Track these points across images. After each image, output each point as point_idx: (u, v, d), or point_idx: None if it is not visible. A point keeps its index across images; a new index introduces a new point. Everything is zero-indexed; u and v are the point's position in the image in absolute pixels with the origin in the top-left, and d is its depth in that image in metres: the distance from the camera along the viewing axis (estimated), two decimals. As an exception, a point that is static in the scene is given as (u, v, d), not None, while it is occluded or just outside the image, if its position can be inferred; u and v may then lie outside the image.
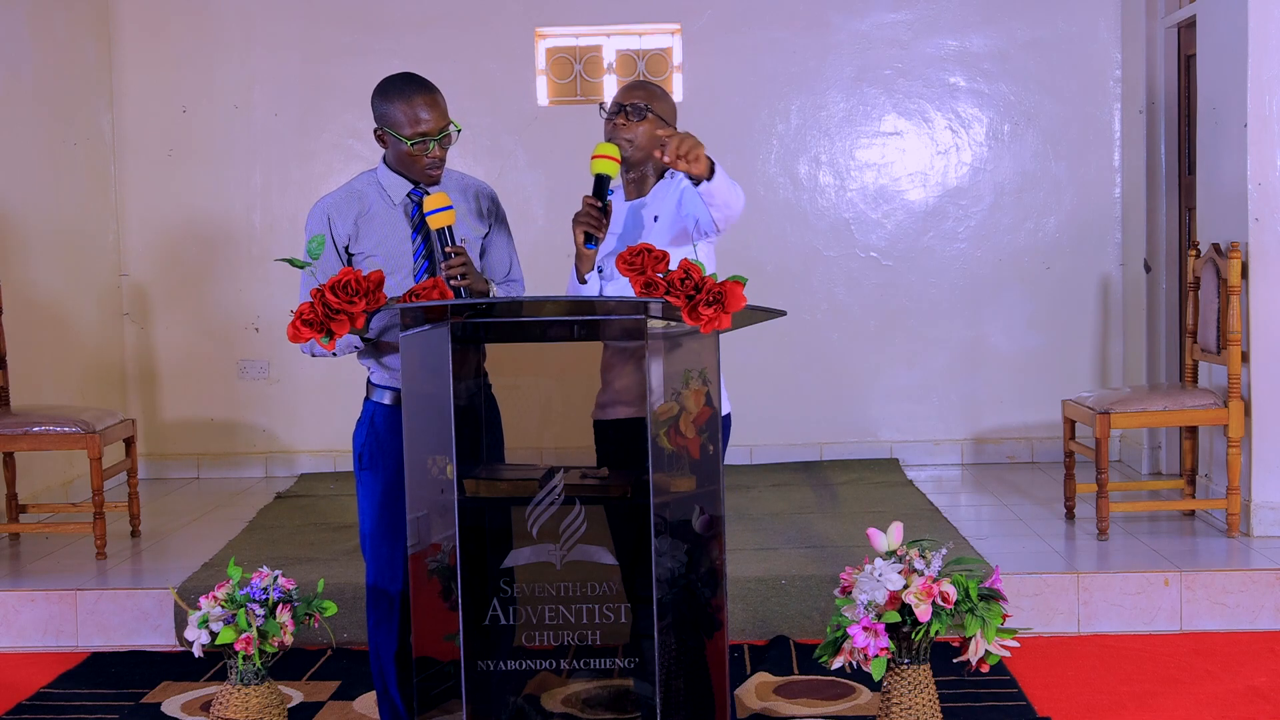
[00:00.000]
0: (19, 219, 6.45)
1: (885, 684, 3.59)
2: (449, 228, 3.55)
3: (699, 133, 7.16)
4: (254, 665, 3.66)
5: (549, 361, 3.40)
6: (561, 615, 3.22)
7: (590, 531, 3.21)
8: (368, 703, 4.37)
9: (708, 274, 3.14)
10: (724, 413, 3.74)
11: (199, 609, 3.68)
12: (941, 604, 3.48)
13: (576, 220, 3.55)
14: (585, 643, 3.22)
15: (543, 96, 7.48)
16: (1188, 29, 6.53)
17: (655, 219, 3.70)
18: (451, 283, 3.53)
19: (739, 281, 3.15)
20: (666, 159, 3.34)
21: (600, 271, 3.69)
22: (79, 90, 7.13)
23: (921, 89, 7.40)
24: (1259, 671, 4.50)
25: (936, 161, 7.42)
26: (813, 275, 7.43)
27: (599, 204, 3.54)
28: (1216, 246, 5.68)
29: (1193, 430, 5.90)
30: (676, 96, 7.45)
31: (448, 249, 3.54)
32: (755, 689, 4.44)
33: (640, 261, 3.21)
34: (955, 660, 3.65)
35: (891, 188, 7.43)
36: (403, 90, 3.59)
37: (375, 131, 3.65)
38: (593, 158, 3.56)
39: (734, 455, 6.83)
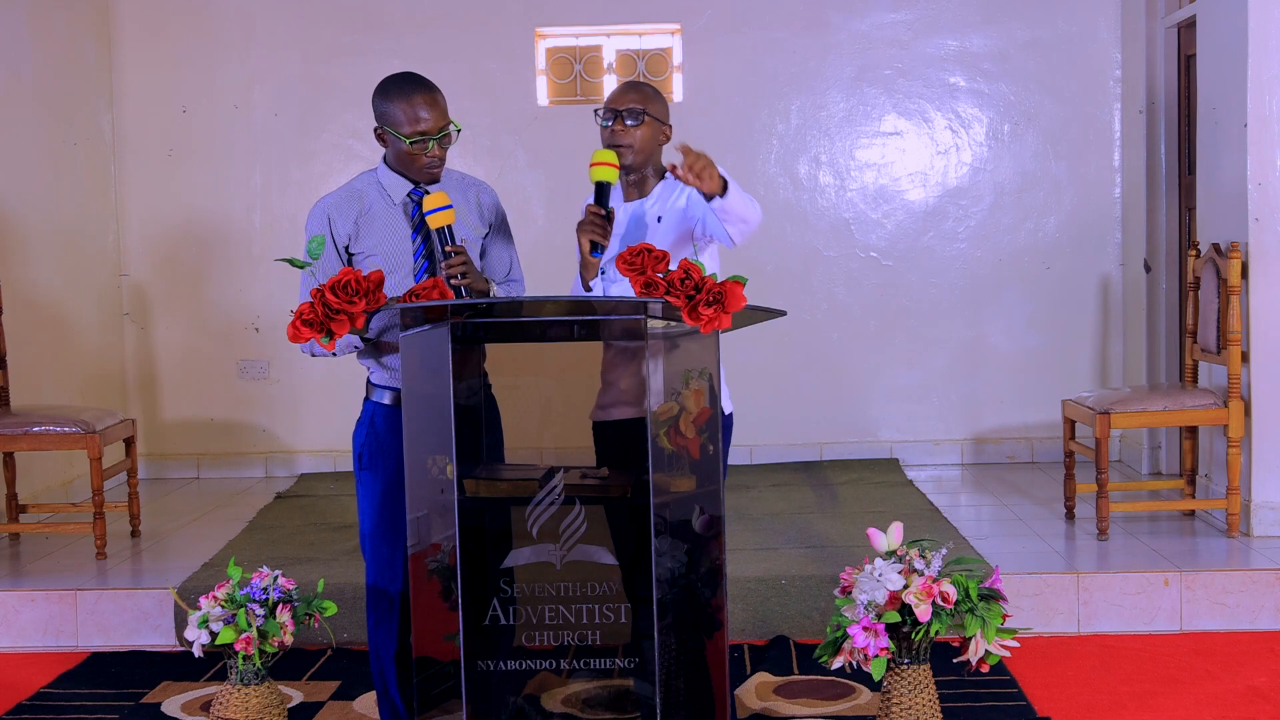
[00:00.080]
0: (19, 219, 6.45)
1: (885, 684, 3.59)
2: (449, 227, 3.55)
3: (699, 133, 7.18)
4: (254, 665, 3.66)
5: (549, 361, 3.41)
6: (561, 615, 3.22)
7: (590, 531, 3.21)
8: (368, 703, 4.37)
9: (708, 274, 3.14)
10: (726, 412, 3.75)
11: (199, 609, 3.68)
12: (941, 604, 3.48)
13: (581, 229, 3.55)
14: (585, 643, 3.22)
15: (543, 96, 7.49)
16: (1188, 29, 6.53)
17: (659, 219, 3.69)
18: (452, 282, 3.53)
19: (739, 281, 3.15)
20: (680, 175, 3.35)
21: (602, 274, 3.69)
22: (79, 90, 7.13)
23: (921, 89, 7.40)
24: (1259, 671, 4.50)
25: (936, 161, 7.42)
26: (813, 275, 7.43)
27: (602, 212, 3.54)
28: (1216, 246, 5.68)
29: (1193, 430, 5.90)
30: (676, 96, 7.45)
31: (448, 248, 3.54)
32: (755, 689, 4.44)
33: (640, 261, 3.21)
34: (955, 660, 3.65)
35: (891, 188, 7.43)
36: (403, 89, 3.59)
37: (375, 130, 3.66)
38: (591, 165, 3.56)
39: (734, 455, 6.83)
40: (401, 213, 3.68)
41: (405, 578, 3.56)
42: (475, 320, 3.28)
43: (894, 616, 3.48)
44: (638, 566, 3.20)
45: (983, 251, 7.42)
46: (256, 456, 7.54)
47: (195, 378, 7.51)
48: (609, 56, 7.50)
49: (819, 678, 4.54)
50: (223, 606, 3.66)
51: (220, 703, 3.67)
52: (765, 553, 5.36)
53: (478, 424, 3.30)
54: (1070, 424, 5.96)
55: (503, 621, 3.22)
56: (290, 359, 7.42)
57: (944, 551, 3.60)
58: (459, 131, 3.66)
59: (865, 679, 4.48)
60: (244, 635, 3.62)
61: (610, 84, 7.45)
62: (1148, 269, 6.97)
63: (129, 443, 6.07)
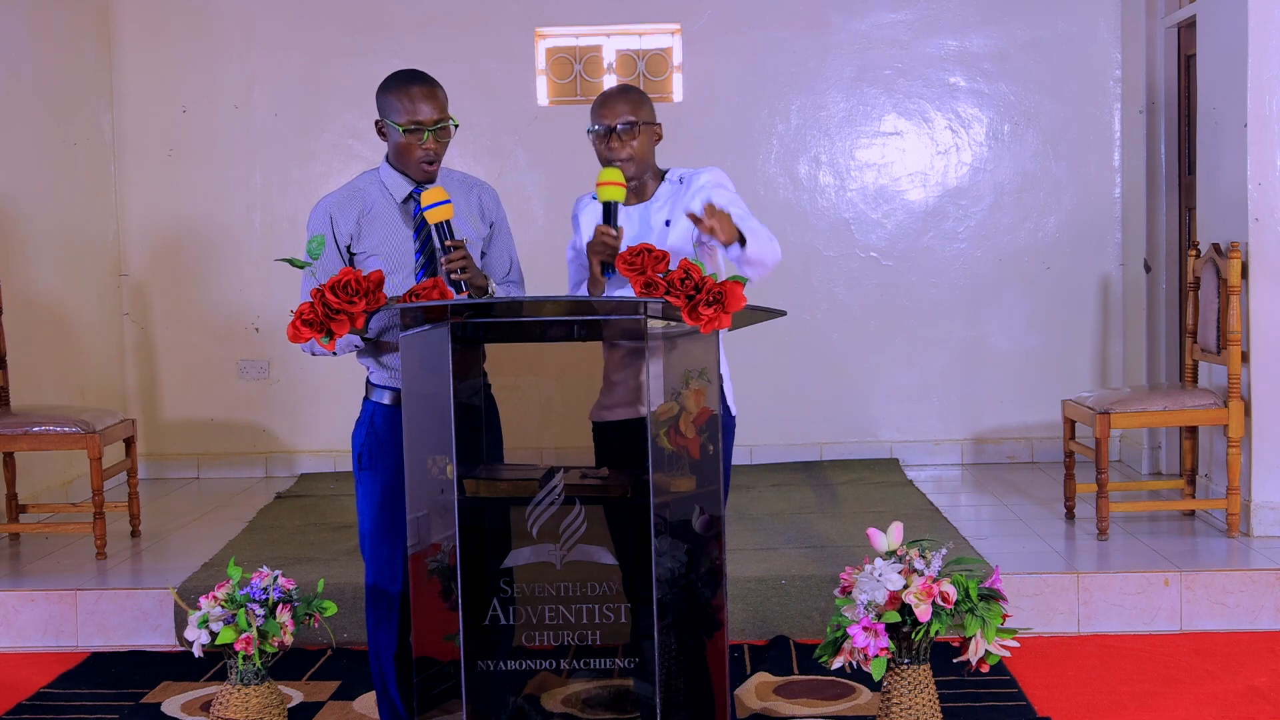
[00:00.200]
0: (19, 219, 6.45)
1: (885, 684, 3.59)
2: (447, 222, 3.55)
3: (699, 133, 7.18)
4: (254, 665, 3.66)
5: (549, 361, 3.41)
6: (561, 615, 3.22)
7: (590, 531, 3.21)
8: (368, 703, 4.37)
9: (707, 274, 3.14)
10: (731, 414, 3.75)
11: (199, 609, 3.68)
12: (941, 604, 3.48)
13: (592, 249, 3.54)
14: (585, 643, 3.22)
15: (543, 96, 7.49)
16: (1188, 29, 6.53)
17: (667, 223, 3.69)
18: (451, 277, 3.54)
19: (739, 282, 3.15)
20: (701, 229, 3.34)
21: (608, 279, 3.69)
22: (79, 90, 7.13)
23: (921, 89, 7.40)
24: (1259, 671, 4.50)
25: (936, 161, 7.42)
26: (813, 275, 7.43)
27: (613, 232, 3.53)
28: (1216, 246, 5.68)
29: (1193, 430, 5.90)
30: (676, 96, 7.45)
31: (447, 242, 3.55)
32: (755, 689, 4.44)
33: (640, 261, 3.21)
34: (955, 660, 3.65)
35: (891, 188, 7.43)
36: (402, 81, 3.63)
37: (376, 124, 3.68)
38: (599, 185, 3.56)
39: (734, 455, 6.82)
40: (404, 212, 3.68)
41: (405, 578, 3.56)
42: (475, 320, 3.28)
43: (894, 616, 3.48)
44: (638, 566, 3.20)
45: (983, 251, 7.42)
46: (256, 456, 7.54)
47: (195, 378, 7.51)
48: (609, 56, 7.50)
49: (819, 678, 4.54)
50: (223, 606, 3.66)
51: (220, 703, 3.67)
52: (765, 553, 5.36)
53: (478, 424, 3.30)
54: (1070, 424, 5.96)
55: (503, 621, 3.22)
56: (290, 359, 7.42)
57: (944, 551, 3.60)
58: (456, 127, 3.66)
59: (865, 679, 4.47)
60: (244, 635, 3.62)
61: (611, 84, 7.44)
62: (1148, 269, 6.97)
63: (129, 443, 6.07)
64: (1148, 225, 6.94)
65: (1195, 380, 5.92)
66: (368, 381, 3.77)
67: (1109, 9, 7.28)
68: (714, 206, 3.37)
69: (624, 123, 3.64)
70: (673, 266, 3.26)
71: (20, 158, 6.52)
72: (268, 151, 7.45)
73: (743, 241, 3.43)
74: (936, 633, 3.49)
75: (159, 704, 4.45)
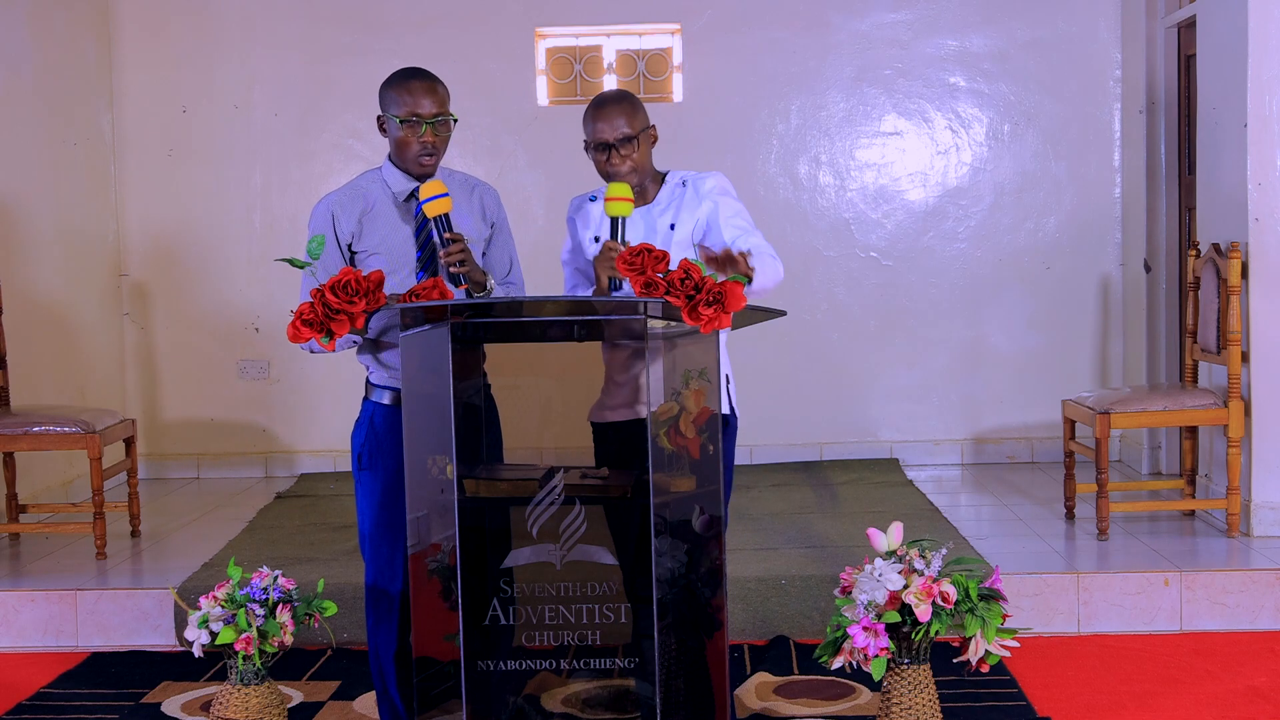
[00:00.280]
0: (19, 219, 6.45)
1: (885, 684, 3.59)
2: (446, 215, 3.56)
3: (699, 133, 7.17)
4: (254, 665, 3.66)
5: (549, 362, 3.41)
6: (561, 615, 3.22)
7: (590, 531, 3.21)
8: (368, 703, 4.37)
9: (707, 274, 3.14)
10: (725, 413, 3.74)
11: (199, 609, 3.68)
12: (941, 604, 3.48)
13: (599, 264, 3.52)
14: (585, 643, 3.22)
15: (543, 96, 7.48)
16: (1188, 29, 6.53)
17: (671, 227, 3.69)
18: (450, 270, 3.54)
19: (739, 282, 3.15)
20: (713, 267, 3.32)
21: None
22: (79, 90, 7.13)
23: (921, 89, 7.40)
24: (1259, 671, 4.50)
25: (936, 161, 7.42)
26: (813, 275, 7.43)
27: (621, 248, 3.52)
28: (1216, 246, 5.68)
29: (1193, 430, 5.90)
30: (676, 96, 7.45)
31: (446, 235, 3.55)
32: (755, 689, 4.44)
33: (640, 261, 3.21)
34: (955, 660, 3.65)
35: (891, 188, 7.43)
36: (403, 76, 3.66)
37: (378, 119, 3.71)
38: (607, 200, 3.54)
39: (735, 455, 6.82)
40: (405, 211, 3.69)
41: (405, 578, 3.56)
42: (475, 320, 3.28)
43: (894, 616, 3.48)
44: (638, 566, 3.20)
45: (983, 251, 7.42)
46: (256, 456, 7.54)
47: (195, 378, 7.51)
48: (609, 56, 7.49)
49: (819, 678, 4.54)
50: (223, 606, 3.66)
51: (220, 703, 3.67)
52: (765, 553, 5.36)
53: (478, 424, 3.30)
54: (1070, 424, 5.95)
55: (503, 621, 3.22)
56: (290, 359, 7.42)
57: (944, 551, 3.60)
58: (455, 122, 3.67)
59: (865, 679, 4.47)
60: (244, 635, 3.61)
61: (610, 85, 7.44)
62: (1148, 269, 6.97)
63: (129, 443, 6.07)
64: (1148, 225, 6.94)
65: (1195, 380, 5.92)
66: (367, 381, 3.77)
67: (1109, 9, 7.28)
68: (732, 253, 3.31)
69: (622, 137, 3.62)
70: (673, 267, 3.26)
71: (20, 158, 6.52)
72: (268, 151, 7.45)
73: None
74: (936, 633, 3.49)
75: (159, 704, 4.45)
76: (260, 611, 3.65)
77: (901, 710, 3.53)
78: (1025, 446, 7.45)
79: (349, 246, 3.68)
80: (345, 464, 7.28)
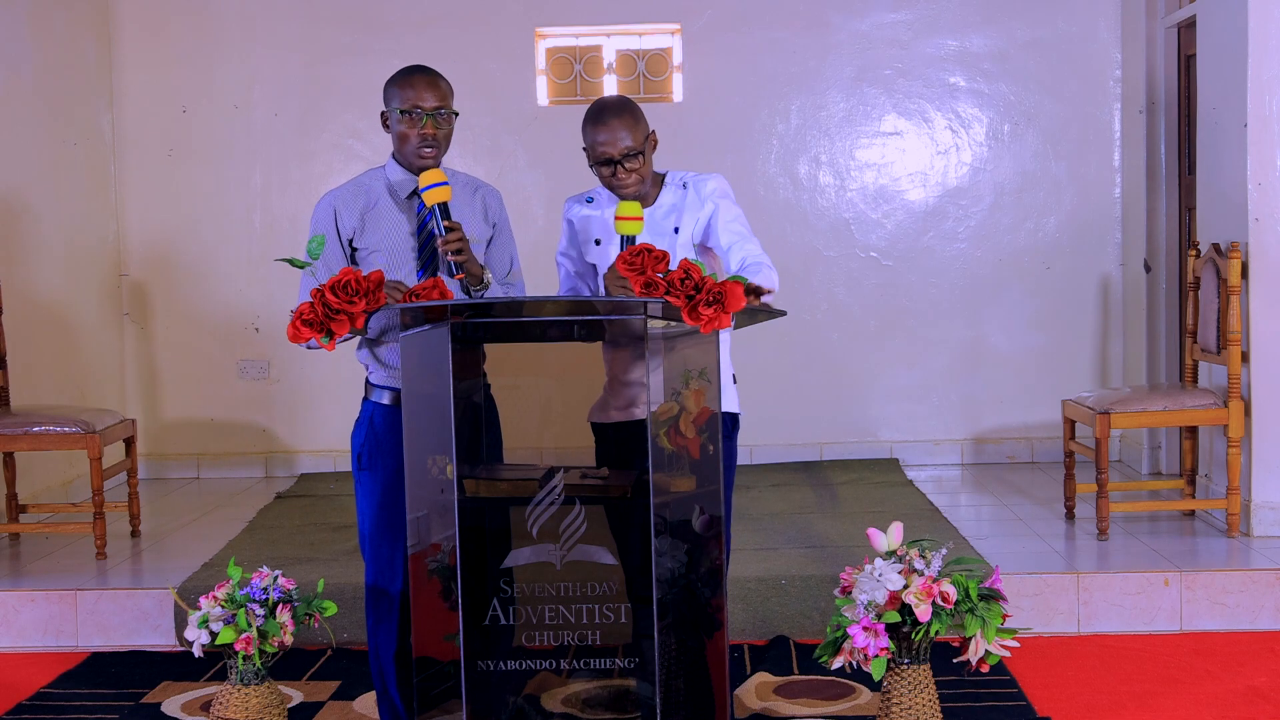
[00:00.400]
0: (19, 219, 6.45)
1: (885, 684, 3.59)
2: (445, 203, 3.57)
3: (699, 133, 7.17)
4: (254, 665, 3.66)
5: (549, 362, 3.41)
6: (561, 615, 3.22)
7: (590, 531, 3.21)
8: (368, 703, 4.37)
9: (707, 274, 3.14)
10: (733, 411, 3.75)
11: (199, 609, 3.68)
12: (941, 604, 3.48)
13: (612, 284, 3.51)
14: (585, 643, 3.22)
15: (543, 96, 7.48)
16: (1188, 29, 6.53)
17: (675, 230, 3.68)
18: (447, 258, 3.54)
19: (739, 282, 3.15)
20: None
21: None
22: (79, 90, 7.13)
23: (921, 89, 7.40)
24: (1259, 671, 4.50)
25: (936, 161, 7.42)
26: (813, 275, 7.42)
27: None
28: (1216, 246, 5.68)
29: (1193, 430, 5.90)
30: (676, 96, 7.45)
31: (445, 223, 3.56)
32: (755, 689, 4.44)
33: (640, 261, 3.21)
34: (955, 660, 3.65)
35: (891, 188, 7.43)
36: (406, 71, 3.70)
37: (381, 115, 3.73)
38: (617, 219, 3.51)
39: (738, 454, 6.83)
40: (407, 210, 3.69)
41: (405, 578, 3.56)
42: (475, 320, 3.28)
43: (894, 616, 3.48)
44: (638, 566, 3.20)
45: (983, 251, 7.42)
46: (256, 456, 7.54)
47: (195, 378, 7.51)
48: (609, 56, 7.49)
49: (819, 678, 4.54)
50: (223, 606, 3.66)
51: (220, 703, 3.67)
52: (765, 553, 5.36)
53: (478, 424, 3.30)
54: (1070, 424, 5.95)
55: (503, 621, 3.22)
56: (290, 359, 7.42)
57: (944, 551, 3.60)
58: (456, 116, 3.68)
59: (865, 679, 4.47)
60: (244, 635, 3.62)
61: (610, 84, 7.44)
62: (1148, 269, 6.97)
63: (129, 443, 6.07)
64: (1148, 225, 6.94)
65: (1195, 380, 5.92)
66: (367, 382, 3.78)
67: (1109, 9, 7.28)
68: (749, 286, 3.28)
69: (627, 151, 3.60)
70: (672, 267, 3.26)
71: (20, 158, 6.52)
72: (268, 151, 7.45)
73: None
74: (936, 633, 3.49)
75: (159, 704, 4.45)
76: (260, 611, 3.65)
77: (901, 710, 3.54)
78: (1025, 446, 7.45)
79: (350, 242, 3.69)
80: (345, 464, 7.28)
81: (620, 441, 3.35)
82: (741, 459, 7.27)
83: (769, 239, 7.19)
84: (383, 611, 3.74)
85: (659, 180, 3.75)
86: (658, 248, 3.29)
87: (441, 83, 3.67)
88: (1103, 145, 7.34)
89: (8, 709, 4.42)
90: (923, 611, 3.46)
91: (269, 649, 3.65)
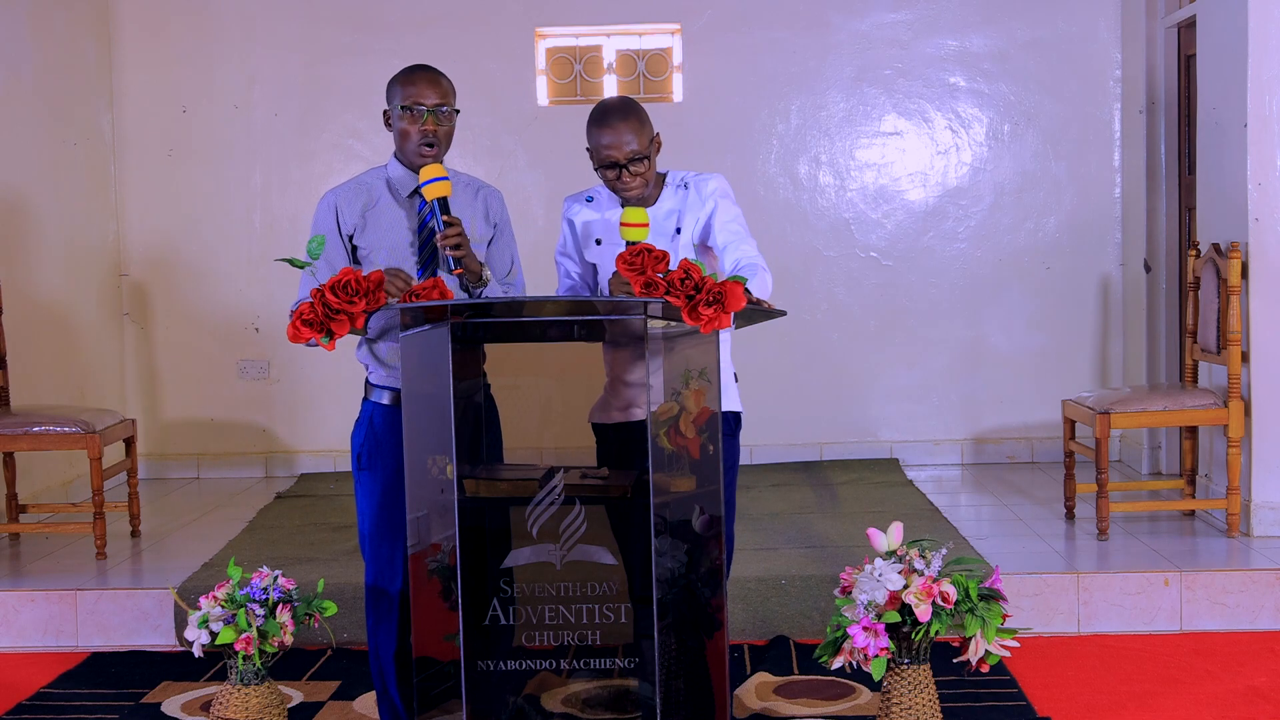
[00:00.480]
0: (19, 219, 6.46)
1: (885, 684, 3.59)
2: (445, 198, 3.57)
3: (699, 133, 7.17)
4: (254, 665, 3.66)
5: (549, 362, 3.41)
6: (561, 615, 3.22)
7: (590, 531, 3.21)
8: (368, 703, 4.37)
9: (707, 274, 3.14)
10: (736, 410, 3.75)
11: (199, 609, 3.68)
12: (941, 604, 3.48)
13: (616, 286, 3.51)
14: (585, 643, 3.22)
15: (543, 96, 7.48)
16: (1188, 29, 6.53)
17: (678, 230, 3.68)
18: (445, 253, 3.55)
19: (739, 281, 3.15)
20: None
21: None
22: (79, 90, 7.13)
23: (921, 89, 7.40)
24: (1259, 671, 4.50)
25: (936, 161, 7.42)
26: (813, 275, 7.43)
27: None
28: (1216, 246, 5.68)
29: (1193, 430, 5.90)
30: (676, 96, 7.45)
31: (445, 218, 3.56)
32: (755, 689, 4.44)
33: (640, 261, 3.21)
34: (955, 660, 3.65)
35: (891, 188, 7.43)
36: (408, 70, 3.72)
37: (384, 114, 3.74)
38: (623, 225, 3.51)
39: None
40: (408, 208, 3.70)
41: (405, 578, 3.56)
42: (475, 320, 3.28)
43: (894, 616, 3.48)
44: (638, 566, 3.20)
45: (983, 251, 7.42)
46: (256, 456, 7.54)
47: (195, 378, 7.51)
48: (609, 56, 7.49)
49: (819, 678, 4.54)
50: (223, 606, 3.66)
51: (220, 703, 3.67)
52: (765, 553, 5.36)
53: (478, 424, 3.30)
54: (1070, 424, 5.95)
55: (503, 621, 3.22)
56: (290, 359, 7.42)
57: (944, 551, 3.60)
58: (457, 113, 3.68)
59: (865, 679, 4.47)
60: (244, 635, 3.62)
61: (610, 84, 7.45)
62: (1148, 269, 6.97)
63: (129, 443, 6.07)
64: (1148, 225, 6.94)
65: (1195, 380, 5.92)
66: (366, 382, 3.78)
67: (1109, 9, 7.28)
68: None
69: (633, 156, 3.59)
70: (672, 267, 3.26)
71: (20, 158, 6.52)
72: (268, 151, 7.45)
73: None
74: (936, 633, 3.49)
75: (159, 704, 4.45)
76: (260, 611, 3.65)
77: (901, 710, 3.54)
78: (1025, 446, 7.45)
79: (350, 238, 3.70)
80: (345, 464, 7.28)
81: (621, 442, 3.35)
82: (742, 459, 7.22)
83: (769, 239, 7.24)
84: (383, 611, 3.74)
85: (660, 180, 3.75)
86: (658, 248, 3.29)
87: (443, 80, 3.69)
88: (1103, 145, 7.34)
89: (8, 709, 4.42)
90: (923, 611, 3.46)
91: (269, 649, 3.65)
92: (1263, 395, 5.56)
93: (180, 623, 4.91)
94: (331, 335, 3.27)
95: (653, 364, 3.22)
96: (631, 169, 3.59)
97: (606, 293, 3.59)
